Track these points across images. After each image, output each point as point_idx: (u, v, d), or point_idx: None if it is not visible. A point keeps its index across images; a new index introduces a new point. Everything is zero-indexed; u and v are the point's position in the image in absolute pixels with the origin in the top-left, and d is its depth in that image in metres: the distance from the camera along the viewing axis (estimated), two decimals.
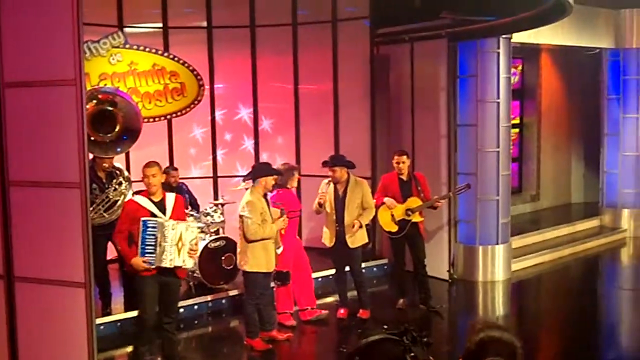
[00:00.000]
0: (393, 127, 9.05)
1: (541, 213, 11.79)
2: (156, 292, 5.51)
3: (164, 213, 5.51)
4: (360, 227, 6.86)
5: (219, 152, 9.52)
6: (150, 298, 5.50)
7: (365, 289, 7.18)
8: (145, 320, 5.56)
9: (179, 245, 5.46)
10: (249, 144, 9.57)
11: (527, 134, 12.03)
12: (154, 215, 5.46)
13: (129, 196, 6.42)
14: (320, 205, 6.93)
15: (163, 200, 5.56)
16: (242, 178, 6.57)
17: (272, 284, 6.56)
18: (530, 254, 9.41)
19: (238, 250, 6.35)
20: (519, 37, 8.78)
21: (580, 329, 7.02)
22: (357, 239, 6.95)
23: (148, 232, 5.38)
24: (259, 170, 6.31)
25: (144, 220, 5.38)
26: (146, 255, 5.43)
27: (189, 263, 5.64)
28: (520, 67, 11.87)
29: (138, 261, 5.41)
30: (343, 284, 7.21)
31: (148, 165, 5.58)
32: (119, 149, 6.93)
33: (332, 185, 6.96)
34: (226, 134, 9.51)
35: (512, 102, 8.96)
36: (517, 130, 11.81)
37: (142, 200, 5.48)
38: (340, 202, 6.92)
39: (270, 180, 6.21)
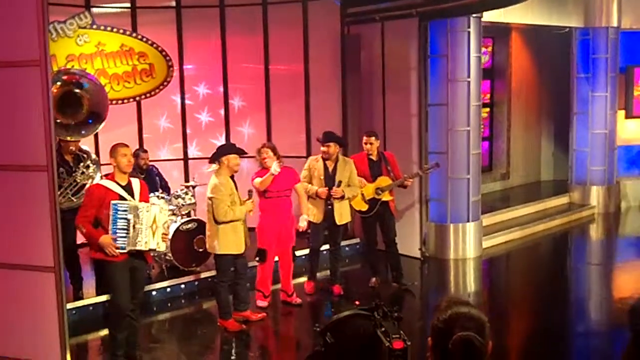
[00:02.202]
0: (364, 107, 9.07)
1: (511, 191, 11.94)
2: (128, 278, 5.41)
3: (132, 197, 5.44)
4: (343, 198, 6.94)
5: (189, 134, 9.48)
6: (124, 284, 5.40)
7: (339, 265, 7.35)
8: (121, 307, 5.44)
9: (153, 227, 5.42)
10: (219, 125, 9.53)
11: (497, 113, 12.14)
12: (123, 199, 5.37)
13: (97, 179, 6.34)
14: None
15: (130, 184, 5.48)
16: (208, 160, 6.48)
17: (250, 264, 6.54)
18: (500, 231, 9.54)
19: (207, 233, 6.34)
20: (489, 16, 8.81)
21: (549, 304, 7.15)
22: (343, 216, 7.09)
23: (119, 215, 5.28)
24: (220, 151, 6.31)
25: (114, 204, 5.28)
26: (118, 240, 5.32)
27: (162, 246, 5.60)
28: (490, 47, 11.94)
29: (107, 239, 5.24)
30: (317, 262, 7.33)
31: (123, 145, 5.50)
32: (84, 132, 6.85)
33: (321, 161, 7.03)
34: (196, 115, 9.47)
35: (482, 81, 9.02)
36: (487, 109, 11.91)
37: (109, 184, 5.37)
38: (330, 179, 6.99)
39: (233, 159, 6.13)
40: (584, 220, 10.81)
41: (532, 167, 12.62)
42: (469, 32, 8.44)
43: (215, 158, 6.24)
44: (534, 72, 12.39)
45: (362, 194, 7.29)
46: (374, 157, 7.31)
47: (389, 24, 8.61)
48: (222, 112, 9.50)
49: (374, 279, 7.49)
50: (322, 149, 7.02)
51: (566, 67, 11.25)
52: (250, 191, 6.32)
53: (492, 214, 9.91)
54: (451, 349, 1.96)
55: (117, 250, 5.30)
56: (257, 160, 6.74)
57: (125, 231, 5.31)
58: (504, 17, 9.33)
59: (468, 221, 8.68)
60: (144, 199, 5.56)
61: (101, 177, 6.18)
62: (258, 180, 6.54)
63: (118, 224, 5.28)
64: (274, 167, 6.43)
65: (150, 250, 5.50)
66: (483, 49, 9.56)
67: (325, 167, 7.06)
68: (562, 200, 11.26)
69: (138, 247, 5.37)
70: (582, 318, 6.90)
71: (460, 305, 2.05)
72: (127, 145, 5.53)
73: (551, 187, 12.09)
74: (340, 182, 6.95)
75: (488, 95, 11.97)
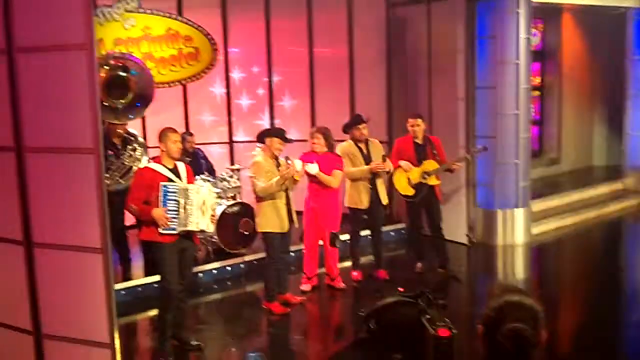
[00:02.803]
0: (410, 90, 8.94)
1: (562, 176, 11.65)
2: (177, 259, 5.45)
3: (180, 179, 5.47)
4: (389, 172, 6.98)
5: (234, 118, 9.52)
6: (173, 266, 5.43)
7: (383, 250, 7.37)
8: (171, 289, 5.47)
9: (203, 208, 5.46)
10: (264, 108, 9.57)
11: (547, 96, 11.84)
12: (171, 182, 5.41)
13: (144, 162, 6.40)
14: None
15: (176, 167, 5.52)
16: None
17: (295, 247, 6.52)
18: (550, 217, 9.32)
19: (255, 213, 6.43)
20: None
21: (602, 292, 6.96)
22: (384, 196, 7.10)
23: (169, 197, 5.30)
24: (267, 132, 6.41)
25: (164, 185, 5.30)
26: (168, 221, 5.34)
27: (211, 227, 5.64)
28: (541, 28, 11.63)
29: (160, 212, 5.25)
30: (358, 247, 7.32)
31: (173, 131, 5.54)
32: (131, 115, 6.93)
33: (353, 145, 6.99)
34: (241, 98, 9.50)
35: (532, 63, 8.80)
36: (537, 92, 11.62)
37: (157, 167, 5.42)
38: (368, 159, 6.98)
39: (276, 143, 6.19)
40: (638, 207, 10.46)
41: (583, 152, 12.29)
42: (518, 13, 8.21)
43: (260, 138, 6.31)
44: (586, 54, 12.03)
45: (408, 178, 7.22)
46: (419, 141, 7.22)
47: (435, 5, 8.46)
48: (266, 95, 9.51)
49: (419, 265, 7.43)
50: (360, 128, 6.92)
51: (620, 49, 10.86)
52: (287, 157, 6.24)
53: (543, 200, 9.68)
54: (501, 340, 1.90)
55: (168, 231, 5.32)
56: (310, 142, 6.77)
57: (176, 212, 5.33)
58: None
59: (516, 207, 8.50)
60: (190, 182, 5.59)
61: (148, 161, 6.22)
62: (303, 165, 6.48)
63: (168, 205, 5.29)
64: (296, 166, 6.29)
65: (200, 230, 5.53)
66: (533, 30, 9.32)
67: (360, 149, 7.02)
68: (615, 186, 10.91)
69: (189, 228, 5.39)
70: (636, 307, 6.68)
71: (513, 294, 1.98)
72: (176, 131, 5.57)
73: (604, 173, 11.75)
74: (384, 156, 6.90)
75: (538, 78, 11.69)
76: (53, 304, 4.87)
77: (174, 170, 5.46)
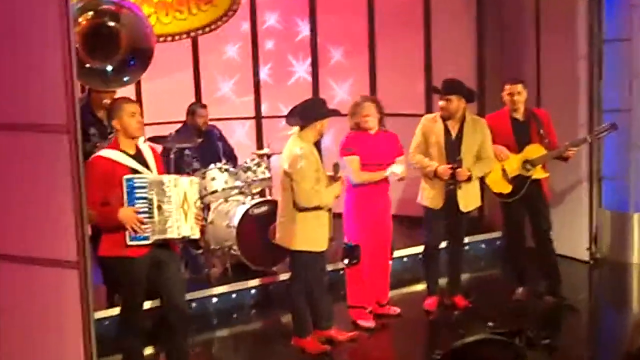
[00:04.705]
0: (509, 47, 8.80)
1: None
2: (145, 278, 5.41)
3: (148, 168, 5.43)
4: (470, 179, 6.82)
5: (263, 84, 9.47)
6: (140, 287, 5.39)
7: (463, 269, 7.33)
8: (133, 316, 5.46)
9: (185, 207, 5.39)
10: (303, 71, 9.57)
11: None
12: (137, 173, 5.35)
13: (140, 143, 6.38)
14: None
15: (140, 153, 5.47)
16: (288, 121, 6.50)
17: (330, 267, 6.55)
18: None
19: (280, 220, 6.36)
20: None
21: None
22: (470, 200, 7.00)
23: (137, 195, 5.23)
24: (311, 110, 6.31)
25: (128, 179, 5.23)
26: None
27: (197, 232, 5.59)
28: None
29: (128, 212, 5.19)
30: (436, 265, 7.25)
31: (129, 100, 5.58)
32: (126, 78, 6.96)
33: (440, 122, 6.92)
34: (272, 59, 9.50)
35: None
36: None
37: (114, 154, 5.34)
38: (453, 147, 6.89)
39: (325, 124, 6.26)
40: None
41: None
42: None
43: (303, 118, 6.23)
44: None
45: (504, 170, 7.09)
46: (520, 117, 7.09)
47: None
48: (308, 54, 9.48)
49: (519, 290, 7.31)
50: (441, 103, 6.91)
51: None
52: (336, 165, 6.30)
53: None
54: None
55: (139, 241, 5.26)
56: (352, 119, 6.73)
57: (149, 215, 5.27)
58: None
59: None
60: (160, 170, 5.57)
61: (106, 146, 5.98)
62: (355, 164, 6.54)
63: (137, 206, 5.24)
64: (395, 169, 6.49)
65: (182, 238, 5.47)
66: None
67: (447, 131, 6.92)
68: None
69: (168, 235, 5.34)
70: None
71: None
72: (132, 101, 5.61)
73: None
74: (460, 160, 6.76)
75: None
76: (15, 332, 4.93)
77: (138, 157, 5.43)
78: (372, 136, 6.73)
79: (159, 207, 5.27)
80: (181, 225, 5.33)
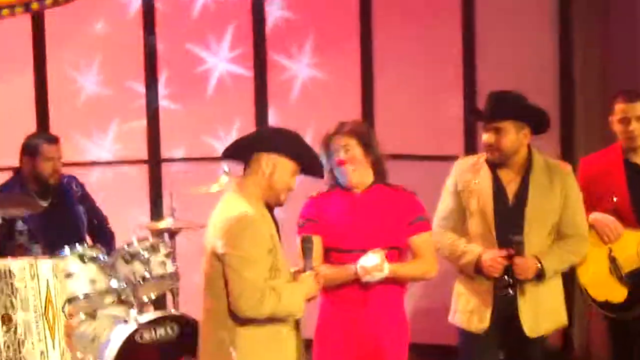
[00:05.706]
0: (617, 45, 6.90)
1: None
2: None
3: None
4: (541, 278, 5.08)
5: (163, 100, 7.29)
6: None
7: None
8: None
9: (49, 316, 4.20)
10: (242, 85, 7.35)
11: None
12: None
13: None
14: None
15: None
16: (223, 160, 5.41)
17: None
18: None
19: (202, 348, 4.53)
20: None
21: None
22: (543, 316, 5.16)
23: None
24: (257, 139, 4.60)
25: None
26: None
27: (68, 358, 4.34)
28: None
29: None
30: None
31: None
32: None
33: (485, 170, 5.19)
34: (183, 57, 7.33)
35: None
36: None
37: None
38: (510, 217, 5.16)
39: (290, 169, 4.46)
40: None
41: None
42: None
43: (243, 153, 4.49)
44: None
45: (613, 259, 5.38)
46: None
47: None
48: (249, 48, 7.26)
49: None
50: (485, 137, 5.17)
51: None
52: (306, 240, 4.60)
53: None
54: None
55: None
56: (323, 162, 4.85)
57: None
58: None
59: None
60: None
61: None
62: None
63: None
64: (366, 261, 4.79)
65: None
66: None
67: (498, 187, 5.14)
68: None
69: None
70: None
71: None
72: None
73: None
74: (521, 242, 5.03)
75: None
76: None
77: None
78: (357, 198, 4.82)
79: (7, 323, 4.17)
80: (44, 349, 4.18)
